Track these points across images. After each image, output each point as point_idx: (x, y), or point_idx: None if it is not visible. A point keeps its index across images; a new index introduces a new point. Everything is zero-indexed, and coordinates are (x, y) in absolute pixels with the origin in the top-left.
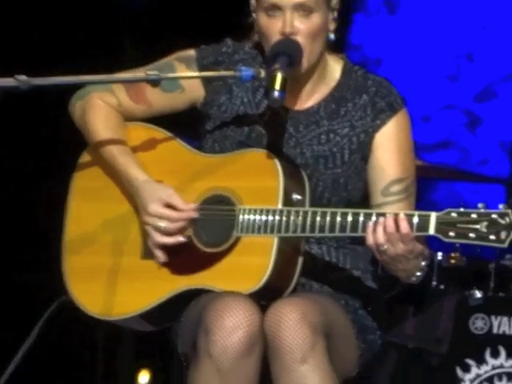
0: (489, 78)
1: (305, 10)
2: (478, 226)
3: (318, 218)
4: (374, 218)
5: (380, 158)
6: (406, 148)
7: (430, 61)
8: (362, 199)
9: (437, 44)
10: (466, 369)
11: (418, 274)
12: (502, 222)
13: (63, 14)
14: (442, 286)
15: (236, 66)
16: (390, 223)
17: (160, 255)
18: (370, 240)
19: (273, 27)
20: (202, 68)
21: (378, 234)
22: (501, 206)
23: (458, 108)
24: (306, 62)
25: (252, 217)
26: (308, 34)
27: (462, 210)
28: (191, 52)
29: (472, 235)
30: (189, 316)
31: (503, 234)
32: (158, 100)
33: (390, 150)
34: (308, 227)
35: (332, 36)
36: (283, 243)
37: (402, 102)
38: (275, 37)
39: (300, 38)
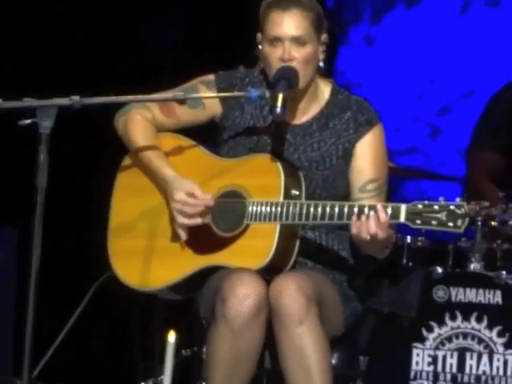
0: (447, 97)
1: (300, 42)
2: (439, 215)
3: (312, 209)
4: (356, 210)
5: (359, 161)
6: (380, 155)
7: (400, 83)
8: (347, 194)
9: (406, 70)
10: (430, 329)
11: (386, 251)
12: (459, 211)
13: (110, 45)
14: (410, 264)
15: (247, 88)
16: (370, 214)
17: (182, 234)
18: (354, 231)
19: (274, 55)
20: (219, 89)
21: (363, 228)
22: (457, 199)
23: (422, 121)
24: (301, 83)
25: (259, 208)
26: (302, 61)
27: (426, 202)
28: (211, 76)
29: (434, 222)
30: (209, 287)
31: (459, 222)
32: (185, 115)
33: (367, 155)
34: (304, 216)
35: (321, 64)
36: (284, 229)
37: (378, 118)
38: (276, 62)
39: (296, 64)
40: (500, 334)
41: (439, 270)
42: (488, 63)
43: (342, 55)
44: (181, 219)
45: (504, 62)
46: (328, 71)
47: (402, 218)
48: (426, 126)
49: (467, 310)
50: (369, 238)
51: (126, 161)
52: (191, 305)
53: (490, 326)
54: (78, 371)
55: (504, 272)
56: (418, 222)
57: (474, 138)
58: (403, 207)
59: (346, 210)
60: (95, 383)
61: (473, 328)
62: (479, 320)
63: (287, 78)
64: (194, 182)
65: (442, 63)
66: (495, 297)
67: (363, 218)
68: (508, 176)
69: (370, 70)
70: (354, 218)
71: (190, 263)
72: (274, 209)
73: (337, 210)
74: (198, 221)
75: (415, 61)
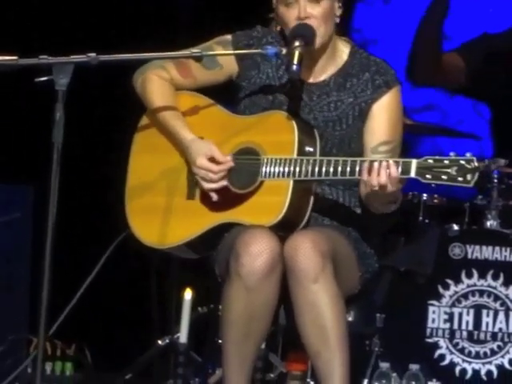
0: None
1: None
2: (449, 170)
3: (325, 165)
4: (367, 164)
5: (374, 123)
6: (395, 117)
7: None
8: (361, 155)
9: None
10: (446, 287)
11: (393, 208)
12: (468, 166)
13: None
14: (426, 221)
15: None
16: (386, 168)
17: (214, 196)
18: (364, 177)
19: (290, 14)
20: (236, 49)
21: (374, 176)
22: (467, 154)
23: None
24: (318, 41)
25: (273, 164)
26: (319, 18)
27: (436, 157)
28: (228, 36)
29: (444, 177)
30: (223, 245)
31: (469, 176)
32: (202, 75)
33: (382, 118)
34: (317, 172)
35: (337, 20)
36: (297, 185)
37: (396, 81)
38: (293, 22)
39: (312, 22)
40: None
41: (455, 227)
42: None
43: (358, 12)
44: (207, 185)
45: None
46: (344, 28)
47: (413, 173)
48: None
49: (483, 267)
50: (377, 188)
51: (144, 120)
52: (207, 263)
53: (506, 284)
54: (95, 330)
55: None
56: (429, 176)
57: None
58: (414, 162)
59: (357, 167)
60: (112, 342)
61: (489, 285)
62: (495, 277)
63: (303, 35)
64: (211, 143)
65: (459, 19)
66: (511, 254)
67: (375, 167)
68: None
69: (386, 27)
70: (366, 167)
71: (205, 220)
72: (287, 165)
73: (349, 166)
74: (224, 183)
75: None
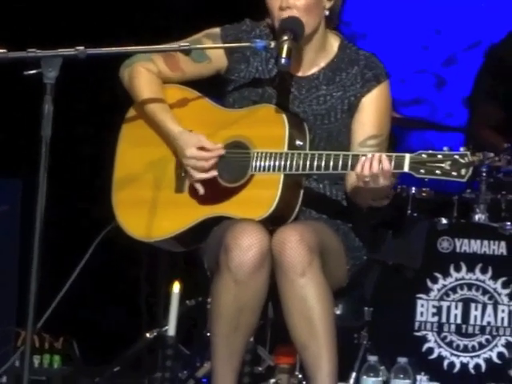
0: (453, 48)
1: None
2: (443, 165)
3: (316, 160)
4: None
5: (362, 116)
6: (384, 111)
7: (406, 34)
8: (349, 148)
9: (411, 20)
10: (435, 280)
11: (385, 203)
12: (462, 161)
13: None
14: (415, 214)
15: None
16: (378, 159)
17: (200, 189)
18: (358, 170)
19: (274, 4)
20: (225, 42)
21: (365, 166)
22: (461, 149)
23: (428, 72)
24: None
25: (263, 158)
26: (301, 9)
27: (430, 151)
28: (216, 30)
29: (438, 172)
30: (213, 238)
31: (463, 171)
32: (190, 68)
33: (371, 111)
34: (308, 166)
35: (326, 13)
36: (288, 179)
37: (385, 75)
38: (276, 11)
39: (295, 12)
40: (504, 285)
41: (444, 220)
42: (494, 14)
43: (347, 5)
44: (197, 174)
45: (510, 10)
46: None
47: (406, 168)
48: (432, 76)
49: (472, 260)
50: (369, 179)
51: (131, 112)
52: (196, 256)
53: (494, 277)
54: (83, 323)
55: (508, 223)
56: (422, 171)
57: (474, 87)
58: (407, 156)
59: (350, 161)
60: (100, 335)
61: (477, 279)
62: (484, 271)
63: (292, 28)
64: (200, 134)
65: (448, 13)
66: (500, 248)
67: (368, 158)
68: (509, 126)
69: (375, 21)
70: (360, 163)
71: (194, 214)
72: (278, 159)
73: (341, 160)
74: (215, 173)
75: (421, 11)
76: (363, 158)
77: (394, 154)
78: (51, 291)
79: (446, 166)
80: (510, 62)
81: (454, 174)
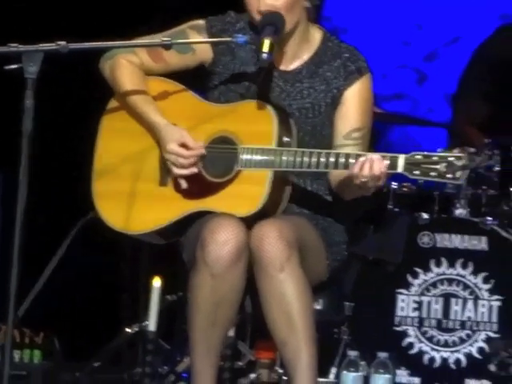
0: (434, 43)
1: None
2: (438, 167)
3: (306, 158)
4: (351, 161)
5: (346, 109)
6: (366, 104)
7: (387, 29)
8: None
9: (392, 15)
10: (415, 275)
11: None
12: (458, 163)
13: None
14: (396, 209)
15: (237, 33)
16: (376, 163)
17: (183, 183)
18: (356, 170)
19: (252, 5)
20: (210, 34)
21: (365, 167)
22: (455, 151)
23: (409, 67)
24: (286, 27)
25: (251, 154)
26: (282, 9)
27: (425, 152)
28: (201, 21)
29: (433, 174)
30: (191, 232)
31: (458, 173)
32: (174, 60)
33: (354, 104)
34: (298, 164)
35: (306, 4)
36: (276, 176)
37: (367, 68)
38: (255, 13)
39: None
40: (485, 280)
41: (425, 215)
42: (474, 9)
43: (328, 0)
44: (177, 170)
45: (490, 7)
46: (315, 17)
47: (400, 169)
48: (413, 71)
49: (452, 255)
50: (367, 179)
51: (112, 104)
52: (176, 250)
53: (475, 272)
54: (63, 317)
55: (489, 218)
56: (417, 172)
57: (460, 85)
58: (401, 157)
59: (342, 159)
60: (80, 329)
61: (458, 274)
62: (464, 266)
63: (274, 23)
64: (184, 129)
65: (429, 8)
66: (480, 243)
67: (368, 160)
68: (492, 124)
69: (356, 16)
70: (357, 166)
71: (178, 208)
72: (266, 156)
73: (332, 159)
74: (195, 170)
75: (402, 6)
76: (362, 158)
77: (389, 155)
78: (32, 285)
79: (442, 167)
80: (497, 60)
81: (450, 176)
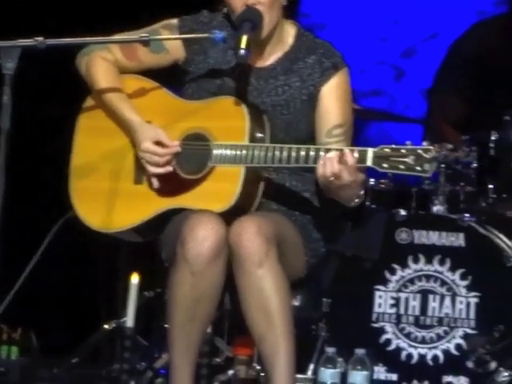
0: (411, 39)
1: None
2: (406, 159)
3: (278, 152)
4: (322, 153)
5: (325, 106)
6: (346, 99)
7: (364, 25)
8: (309, 139)
9: (370, 11)
10: (393, 272)
11: (357, 200)
12: (426, 156)
13: None
14: (373, 206)
15: (211, 32)
16: (338, 157)
17: (155, 182)
18: (320, 171)
19: (237, 1)
20: (182, 34)
21: (327, 166)
22: (424, 143)
23: (387, 63)
24: (266, 28)
25: (224, 150)
26: (266, 5)
27: (393, 146)
28: (174, 21)
29: (402, 166)
30: (170, 229)
31: (427, 166)
32: (147, 59)
33: (333, 100)
34: (269, 159)
35: (284, 2)
36: (249, 172)
37: (343, 62)
38: (240, 8)
39: (260, 7)
40: (463, 277)
41: (402, 212)
42: (452, 5)
43: None
44: (151, 169)
45: (468, 3)
46: (292, 13)
47: (369, 162)
48: (390, 68)
49: (430, 252)
50: (333, 178)
51: (89, 102)
52: (154, 247)
53: (452, 269)
54: (41, 314)
55: (467, 214)
56: (385, 165)
57: (435, 80)
58: (370, 151)
59: (312, 153)
60: (58, 326)
61: (435, 270)
62: (442, 262)
63: (251, 19)
64: (158, 127)
65: (407, 4)
66: (458, 239)
67: (329, 161)
68: (467, 122)
69: (334, 12)
70: (322, 161)
71: (153, 205)
72: (239, 151)
73: (303, 153)
74: (169, 169)
75: (380, 2)
76: (323, 156)
77: (357, 148)
78: (10, 281)
79: (410, 160)
80: (473, 55)
81: (418, 168)
